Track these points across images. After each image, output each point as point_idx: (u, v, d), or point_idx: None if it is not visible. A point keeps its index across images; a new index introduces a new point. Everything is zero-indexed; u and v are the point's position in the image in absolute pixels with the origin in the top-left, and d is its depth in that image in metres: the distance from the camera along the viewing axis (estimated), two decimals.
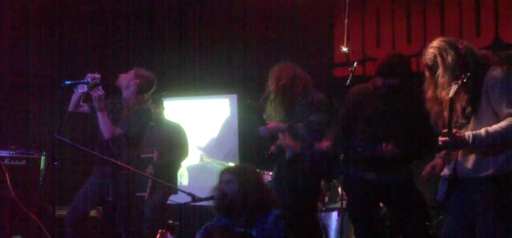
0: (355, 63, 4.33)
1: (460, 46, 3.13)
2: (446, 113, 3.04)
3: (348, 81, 4.15)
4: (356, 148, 3.94)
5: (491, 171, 2.99)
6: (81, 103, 4.60)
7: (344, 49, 5.15)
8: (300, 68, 4.61)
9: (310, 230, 4.48)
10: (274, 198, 3.94)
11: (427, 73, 3.24)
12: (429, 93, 3.23)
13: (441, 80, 3.10)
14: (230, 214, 3.88)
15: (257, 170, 4.23)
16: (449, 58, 3.09)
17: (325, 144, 4.14)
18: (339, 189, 4.51)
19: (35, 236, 4.95)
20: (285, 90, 4.46)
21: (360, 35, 6.17)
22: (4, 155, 5.26)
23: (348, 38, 5.87)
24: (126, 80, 4.72)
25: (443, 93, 3.08)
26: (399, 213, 4.02)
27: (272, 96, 4.53)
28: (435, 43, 3.20)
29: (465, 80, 2.95)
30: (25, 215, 4.63)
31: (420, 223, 3.95)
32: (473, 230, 3.05)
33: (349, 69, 4.26)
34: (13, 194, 4.59)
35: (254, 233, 3.79)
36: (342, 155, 4.01)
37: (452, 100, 2.94)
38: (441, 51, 3.13)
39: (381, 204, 4.32)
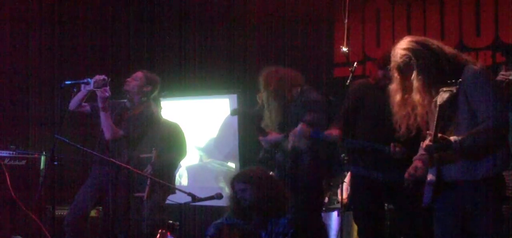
0: (355, 63, 4.33)
1: (433, 47, 2.98)
2: (419, 119, 2.95)
3: (348, 81, 4.15)
4: (363, 145, 3.89)
5: (482, 172, 2.91)
6: (83, 103, 4.60)
7: (344, 49, 5.14)
8: (285, 68, 4.57)
9: (315, 231, 4.46)
10: (288, 201, 3.95)
11: (397, 76, 3.08)
12: (398, 97, 3.08)
13: (415, 83, 2.95)
14: (244, 217, 3.89)
15: (270, 173, 4.22)
16: (424, 60, 2.93)
17: (334, 132, 4.04)
18: (338, 192, 4.49)
19: (35, 236, 4.95)
20: (276, 93, 4.44)
21: (360, 35, 6.17)
22: (4, 155, 5.26)
23: (348, 38, 5.86)
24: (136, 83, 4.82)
25: (417, 97, 2.95)
26: (404, 212, 3.99)
27: (265, 103, 4.51)
28: (405, 44, 3.02)
29: (458, 87, 2.81)
30: (25, 215, 4.63)
31: (425, 223, 3.94)
32: (467, 232, 2.99)
33: (349, 69, 4.26)
34: (13, 194, 4.59)
35: (263, 235, 3.80)
36: (345, 157, 3.97)
37: (441, 107, 2.80)
38: (414, 52, 2.97)
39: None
